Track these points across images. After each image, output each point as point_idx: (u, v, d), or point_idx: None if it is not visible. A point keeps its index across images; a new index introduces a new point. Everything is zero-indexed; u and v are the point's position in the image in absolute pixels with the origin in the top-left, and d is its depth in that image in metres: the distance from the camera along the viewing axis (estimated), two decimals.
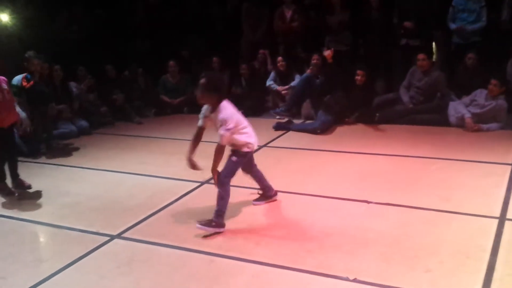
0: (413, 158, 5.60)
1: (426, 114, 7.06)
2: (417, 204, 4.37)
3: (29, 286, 3.37)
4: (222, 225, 4.03)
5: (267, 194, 4.58)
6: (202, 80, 3.93)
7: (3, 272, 3.58)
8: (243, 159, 4.18)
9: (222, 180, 4.05)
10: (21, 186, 5.22)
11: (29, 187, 5.25)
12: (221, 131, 3.90)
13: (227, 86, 4.19)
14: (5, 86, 5.07)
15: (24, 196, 5.11)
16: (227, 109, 3.96)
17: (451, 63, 7.90)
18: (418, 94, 7.27)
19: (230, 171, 4.10)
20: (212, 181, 5.16)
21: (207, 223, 4.01)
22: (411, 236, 3.82)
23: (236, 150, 4.12)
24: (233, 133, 3.97)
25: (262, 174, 4.54)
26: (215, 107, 3.97)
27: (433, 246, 3.64)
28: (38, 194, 5.14)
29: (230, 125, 3.90)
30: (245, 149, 4.11)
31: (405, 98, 7.35)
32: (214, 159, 4.00)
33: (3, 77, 5.13)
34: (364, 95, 7.23)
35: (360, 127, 7.11)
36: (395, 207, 4.35)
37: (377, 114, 7.17)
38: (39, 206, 4.87)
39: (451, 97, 7.16)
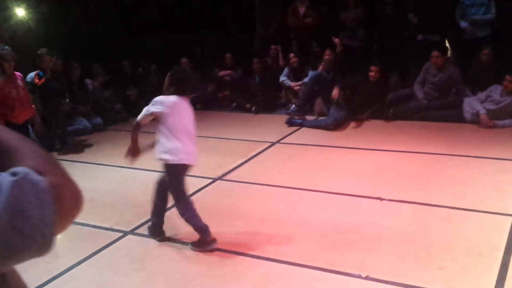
0: (427, 155, 5.55)
1: (441, 110, 6.99)
2: (431, 201, 4.33)
3: (44, 281, 3.42)
4: (213, 241, 3.73)
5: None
6: (169, 73, 3.77)
7: (18, 266, 3.61)
8: (177, 174, 3.69)
9: (176, 202, 3.79)
10: None
11: None
12: (148, 107, 3.63)
13: (191, 85, 3.79)
14: (20, 82, 5.13)
15: None
16: (176, 102, 3.60)
17: (463, 58, 7.81)
18: (433, 90, 7.21)
19: (175, 190, 3.75)
20: (225, 177, 5.21)
21: (201, 244, 3.74)
22: (425, 233, 3.80)
23: (166, 164, 3.68)
24: (151, 116, 3.62)
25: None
26: None
27: (446, 244, 3.62)
28: None
29: (155, 107, 3.56)
30: (168, 160, 3.62)
31: (419, 94, 7.29)
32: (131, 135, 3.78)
33: (18, 73, 5.19)
34: (378, 91, 7.19)
35: (373, 123, 7.07)
36: (408, 204, 4.33)
37: (391, 110, 7.13)
38: None
39: (466, 93, 7.09)
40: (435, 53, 7.13)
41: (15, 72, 5.16)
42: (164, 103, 3.58)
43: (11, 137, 0.96)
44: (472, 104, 6.67)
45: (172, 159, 3.61)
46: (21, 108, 5.06)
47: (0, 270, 0.90)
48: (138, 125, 3.74)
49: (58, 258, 3.74)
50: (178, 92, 3.66)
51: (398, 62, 8.40)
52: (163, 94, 3.70)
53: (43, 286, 3.37)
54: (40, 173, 0.87)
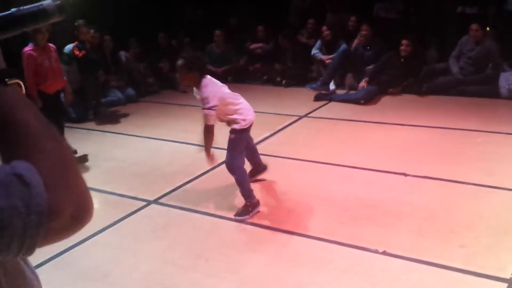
0: (459, 131, 5.43)
1: (476, 86, 6.80)
2: (458, 178, 4.25)
3: (69, 245, 3.52)
4: (257, 204, 3.88)
5: (256, 169, 4.35)
6: (180, 62, 3.77)
7: None
8: (241, 135, 3.86)
9: (232, 166, 3.83)
10: None
11: (75, 152, 5.44)
12: (204, 111, 3.69)
13: (205, 64, 3.94)
14: (53, 54, 5.24)
15: None
16: (208, 86, 3.71)
17: (504, 32, 7.53)
18: (469, 64, 6.99)
19: (234, 153, 3.83)
20: None
21: (243, 211, 3.82)
22: (448, 210, 3.74)
23: (231, 128, 3.85)
24: (217, 111, 3.72)
25: (256, 149, 4.36)
26: (198, 86, 3.77)
27: (470, 222, 3.55)
28: (84, 159, 5.33)
29: (211, 102, 3.65)
30: (236, 126, 3.80)
31: (454, 68, 7.09)
32: (204, 141, 3.79)
33: (52, 45, 5.30)
34: (411, 65, 7.02)
35: (405, 97, 6.94)
36: (434, 180, 4.25)
37: (424, 85, 6.96)
38: (84, 170, 5.05)
39: (504, 67, 6.84)
40: (474, 26, 6.90)
41: (49, 44, 5.27)
42: (210, 93, 3.68)
43: (37, 127, 0.81)
44: (509, 79, 6.46)
45: (240, 127, 3.83)
46: (53, 79, 5.17)
47: None
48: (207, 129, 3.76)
49: None
50: (201, 75, 3.74)
51: (436, 35, 8.18)
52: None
53: (68, 250, 3.49)
54: (46, 183, 0.74)
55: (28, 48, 5.10)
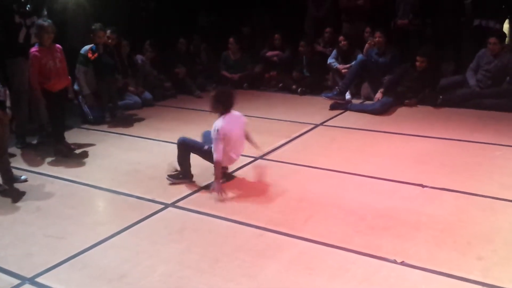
0: (475, 144, 5.41)
1: (493, 99, 6.77)
2: (475, 190, 4.24)
3: (86, 247, 3.56)
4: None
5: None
6: (212, 93, 4.59)
7: (63, 232, 3.79)
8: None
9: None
10: (67, 148, 5.59)
11: (74, 149, 5.62)
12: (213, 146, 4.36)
13: (233, 101, 4.53)
14: (58, 54, 5.40)
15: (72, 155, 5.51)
16: (223, 121, 4.35)
17: None
18: (486, 77, 6.97)
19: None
20: (266, 156, 5.25)
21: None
22: (466, 222, 3.73)
23: None
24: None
25: None
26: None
27: (487, 234, 3.54)
28: (99, 160, 5.38)
29: (218, 134, 4.28)
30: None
31: (471, 81, 7.06)
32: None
33: (58, 45, 5.48)
34: (427, 78, 7.01)
35: (421, 109, 6.92)
36: (451, 192, 4.24)
37: (440, 97, 6.95)
38: (100, 172, 5.08)
39: None
40: (492, 40, 6.88)
41: (56, 44, 5.42)
42: (220, 125, 4.32)
43: None
44: None
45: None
46: (57, 78, 5.35)
47: None
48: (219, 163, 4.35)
49: (100, 225, 3.89)
50: (224, 110, 4.42)
51: (452, 48, 8.16)
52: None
53: (85, 251, 3.51)
54: None
55: (34, 49, 5.31)
